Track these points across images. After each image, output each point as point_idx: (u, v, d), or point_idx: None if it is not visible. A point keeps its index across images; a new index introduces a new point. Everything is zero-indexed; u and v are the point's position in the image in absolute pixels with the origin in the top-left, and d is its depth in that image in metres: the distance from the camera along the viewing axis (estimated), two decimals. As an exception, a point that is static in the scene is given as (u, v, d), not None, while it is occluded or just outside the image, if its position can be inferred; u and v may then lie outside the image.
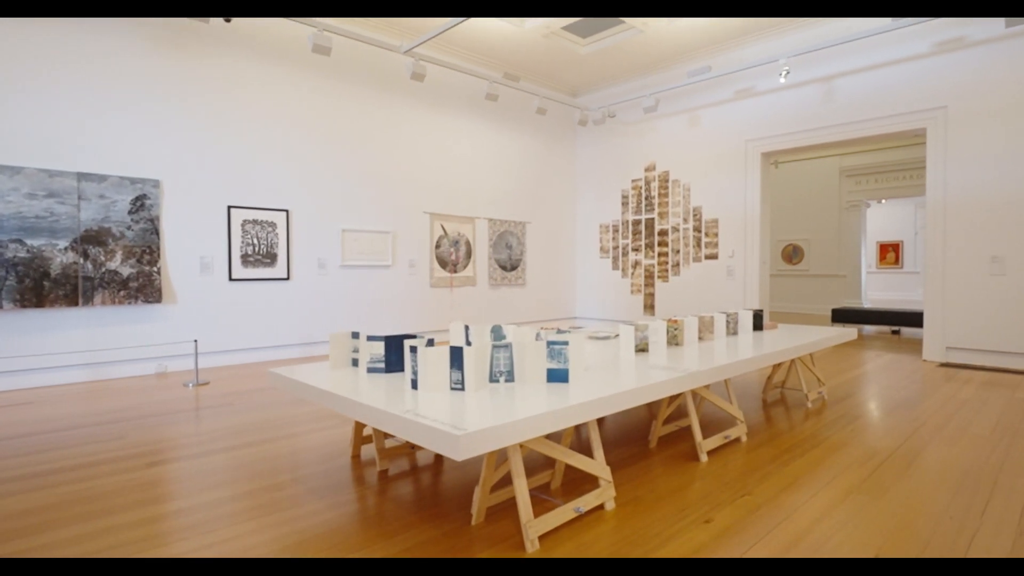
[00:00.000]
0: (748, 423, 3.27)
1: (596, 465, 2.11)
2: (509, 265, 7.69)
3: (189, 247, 4.97)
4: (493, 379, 2.16)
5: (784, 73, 5.84)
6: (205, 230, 5.06)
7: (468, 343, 2.90)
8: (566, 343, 2.15)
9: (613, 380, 2.19)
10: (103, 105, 4.53)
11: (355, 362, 2.62)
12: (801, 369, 4.87)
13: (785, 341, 3.35)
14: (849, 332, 3.88)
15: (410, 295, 6.59)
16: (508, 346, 2.16)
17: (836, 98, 5.96)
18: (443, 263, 6.91)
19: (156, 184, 4.76)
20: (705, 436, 2.87)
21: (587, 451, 2.69)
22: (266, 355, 5.50)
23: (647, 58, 7.18)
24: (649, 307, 7.80)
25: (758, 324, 3.90)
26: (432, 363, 2.04)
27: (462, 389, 2.05)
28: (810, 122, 6.17)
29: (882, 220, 15.81)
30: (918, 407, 3.64)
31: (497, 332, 2.83)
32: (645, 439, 2.97)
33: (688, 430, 3.12)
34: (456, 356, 2.06)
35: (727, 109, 6.89)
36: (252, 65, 5.32)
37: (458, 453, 1.51)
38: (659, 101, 7.40)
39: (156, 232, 4.76)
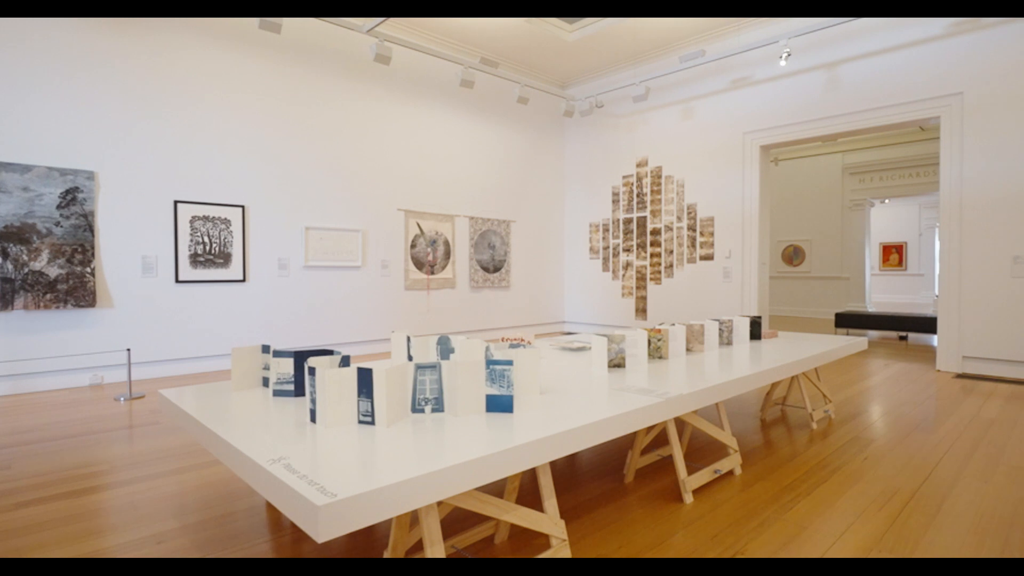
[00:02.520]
0: (743, 449, 2.81)
1: (546, 521, 1.64)
2: (492, 267, 7.23)
3: (129, 246, 4.51)
4: (417, 408, 1.70)
5: (785, 55, 5.38)
6: (148, 227, 4.60)
7: (410, 358, 2.44)
8: (510, 363, 1.69)
9: (574, 408, 1.73)
10: (28, 87, 4.07)
11: (266, 382, 2.17)
12: (804, 383, 4.41)
13: (787, 353, 2.89)
14: (859, 342, 3.42)
15: (382, 298, 6.13)
16: (435, 367, 1.70)
17: (841, 86, 5.50)
18: (419, 264, 6.45)
19: (90, 176, 4.30)
20: (691, 470, 2.41)
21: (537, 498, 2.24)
22: (218, 364, 5.04)
23: (639, 45, 6.74)
24: (641, 311, 7.34)
25: (756, 333, 3.44)
26: (334, 389, 1.58)
27: (372, 423, 1.59)
28: (812, 112, 5.72)
29: (885, 220, 15.36)
30: (939, 429, 3.18)
31: (444, 344, 2.38)
32: (621, 469, 2.51)
33: (672, 459, 2.66)
34: (364, 380, 1.60)
35: (723, 99, 6.44)
36: (202, 45, 4.86)
37: (318, 531, 1.05)
38: (649, 90, 6.96)
39: (90, 229, 4.30)
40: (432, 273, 6.56)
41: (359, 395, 1.61)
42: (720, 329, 3.19)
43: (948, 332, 4.94)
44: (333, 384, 1.58)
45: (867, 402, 3.84)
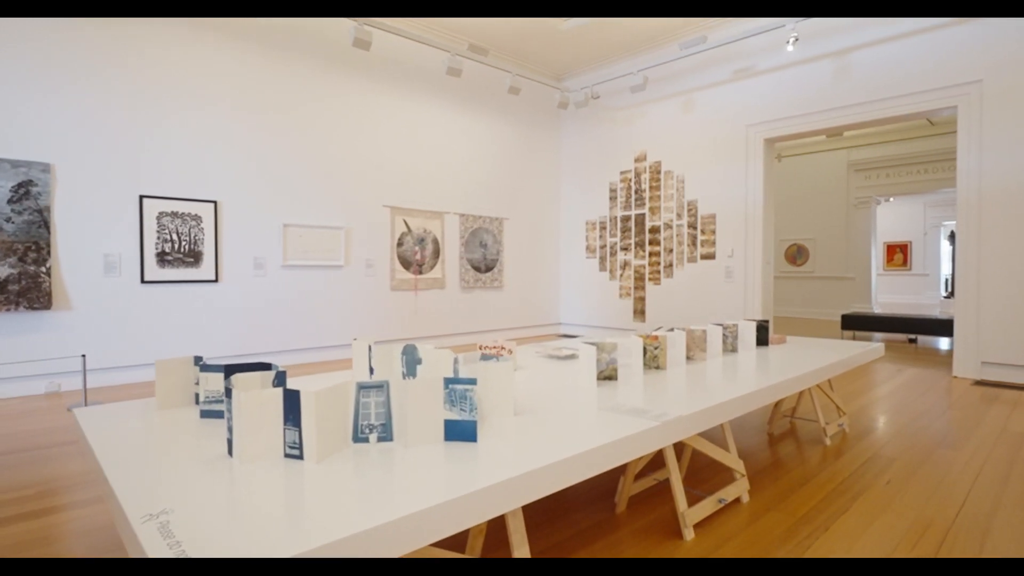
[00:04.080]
0: (750, 470, 2.51)
1: None
2: (484, 266, 6.93)
3: (90, 244, 4.21)
4: (360, 437, 1.40)
5: (792, 40, 5.08)
6: (110, 224, 4.30)
7: (371, 370, 2.15)
8: (472, 382, 1.40)
9: (553, 436, 1.44)
10: (-24, 72, 3.78)
11: (198, 398, 1.87)
12: (816, 394, 4.12)
13: (799, 363, 2.60)
14: (876, 348, 3.12)
15: (367, 299, 5.83)
16: (382, 386, 1.41)
17: (850, 75, 5.20)
18: (406, 263, 6.14)
19: (46, 168, 4.00)
20: (692, 499, 2.11)
21: (505, 540, 1.94)
22: (190, 369, 4.73)
23: (637, 34, 6.44)
24: (640, 312, 7.04)
25: (763, 339, 3.15)
26: (253, 415, 1.29)
27: (300, 457, 1.29)
28: (820, 103, 5.41)
29: (889, 219, 15.06)
30: (966, 444, 2.88)
31: (410, 354, 2.08)
32: (611, 494, 2.21)
33: (669, 483, 2.36)
34: (291, 405, 1.30)
35: (725, 91, 6.14)
36: (171, 31, 4.56)
37: (172, 635, 0.75)
38: (648, 80, 6.66)
39: (45, 225, 4.00)
40: (420, 273, 6.26)
41: (285, 422, 1.31)
42: (724, 335, 2.90)
43: (965, 336, 4.64)
44: (252, 409, 1.29)
45: (882, 413, 3.54)
